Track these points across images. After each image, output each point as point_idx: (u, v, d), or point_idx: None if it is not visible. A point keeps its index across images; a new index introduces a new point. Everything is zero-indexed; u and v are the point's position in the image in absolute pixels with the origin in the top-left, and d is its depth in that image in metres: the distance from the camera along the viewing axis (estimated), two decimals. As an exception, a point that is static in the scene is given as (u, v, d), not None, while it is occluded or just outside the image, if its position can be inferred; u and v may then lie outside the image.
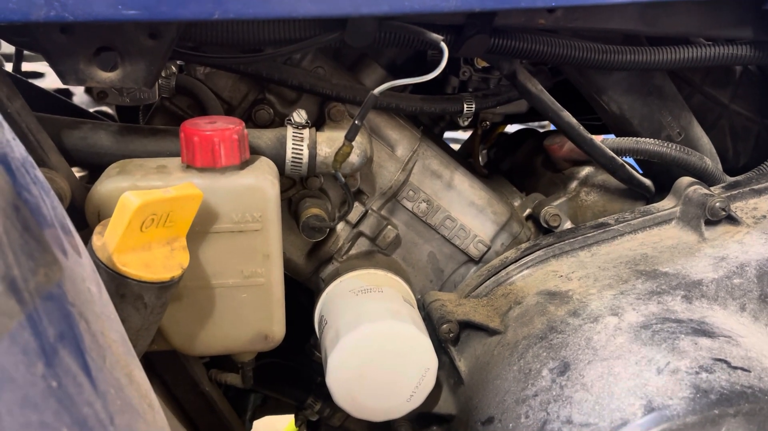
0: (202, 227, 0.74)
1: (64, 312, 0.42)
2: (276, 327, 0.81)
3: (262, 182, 0.74)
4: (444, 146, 1.10)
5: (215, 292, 0.78)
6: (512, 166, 1.29)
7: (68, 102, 1.38)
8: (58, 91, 1.55)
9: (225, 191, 0.73)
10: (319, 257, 0.97)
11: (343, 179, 0.84)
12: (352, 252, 0.97)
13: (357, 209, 0.94)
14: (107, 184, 0.72)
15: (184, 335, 0.79)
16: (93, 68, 0.69)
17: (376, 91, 0.74)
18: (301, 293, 1.10)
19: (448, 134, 1.79)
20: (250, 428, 1.28)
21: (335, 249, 0.96)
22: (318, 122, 0.92)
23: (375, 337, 0.78)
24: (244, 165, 0.76)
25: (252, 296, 0.79)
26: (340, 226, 0.96)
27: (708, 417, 0.63)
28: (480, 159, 1.40)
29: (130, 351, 0.51)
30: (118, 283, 0.64)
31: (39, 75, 1.61)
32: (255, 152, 0.81)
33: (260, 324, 0.80)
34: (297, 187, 0.93)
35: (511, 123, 1.35)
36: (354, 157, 0.85)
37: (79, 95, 1.56)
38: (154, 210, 0.64)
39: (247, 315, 0.79)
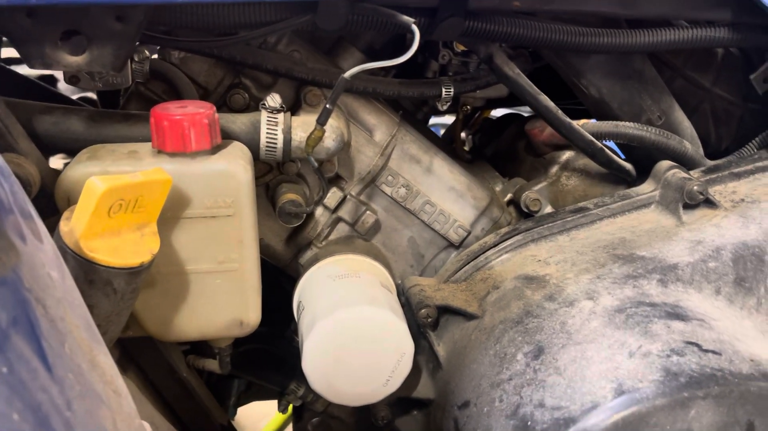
0: (174, 213, 0.74)
1: (19, 298, 0.42)
2: (251, 313, 0.81)
3: (233, 167, 0.74)
4: (424, 131, 1.10)
5: (189, 278, 0.77)
6: (496, 151, 1.28)
7: (49, 88, 1.36)
8: (42, 77, 1.53)
9: (196, 176, 0.73)
10: (298, 243, 0.97)
11: (315, 163, 0.83)
12: (332, 237, 0.97)
13: (335, 194, 0.94)
14: (77, 169, 0.71)
15: (159, 321, 0.79)
16: (59, 52, 0.68)
17: (347, 74, 0.74)
18: (284, 279, 1.10)
19: (435, 120, 1.79)
20: (235, 414, 1.28)
21: (314, 235, 0.96)
22: (295, 107, 0.91)
23: (350, 322, 0.78)
24: (215, 150, 0.75)
25: (226, 282, 0.78)
26: (319, 212, 0.95)
27: (677, 400, 0.63)
28: (465, 144, 1.40)
29: (95, 337, 0.51)
30: (86, 269, 0.64)
31: (21, 62, 1.59)
32: (229, 137, 0.81)
33: (235, 310, 0.80)
34: (274, 173, 0.93)
35: (494, 108, 1.34)
36: (329, 142, 0.85)
37: (63, 82, 1.54)
38: (121, 195, 0.63)
39: (222, 301, 0.79)
